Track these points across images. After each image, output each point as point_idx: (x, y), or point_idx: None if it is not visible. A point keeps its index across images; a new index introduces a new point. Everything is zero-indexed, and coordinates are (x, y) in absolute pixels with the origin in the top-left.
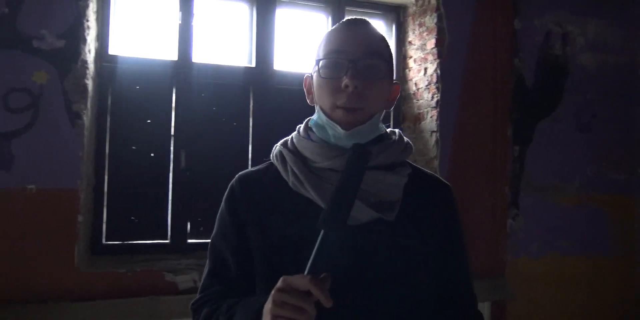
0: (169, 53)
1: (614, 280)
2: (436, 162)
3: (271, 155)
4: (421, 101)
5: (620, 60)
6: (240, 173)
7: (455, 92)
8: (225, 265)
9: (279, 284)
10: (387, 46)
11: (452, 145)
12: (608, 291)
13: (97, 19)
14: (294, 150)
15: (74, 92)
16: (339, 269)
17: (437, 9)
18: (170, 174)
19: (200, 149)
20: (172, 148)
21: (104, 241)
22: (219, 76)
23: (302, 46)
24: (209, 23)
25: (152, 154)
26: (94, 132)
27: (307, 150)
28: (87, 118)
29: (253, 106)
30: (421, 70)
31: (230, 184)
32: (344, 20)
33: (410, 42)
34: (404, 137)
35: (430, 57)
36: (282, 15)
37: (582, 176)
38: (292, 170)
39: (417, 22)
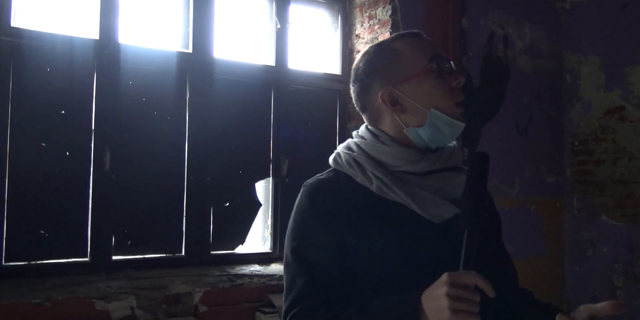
0: (90, 31)
1: (546, 281)
2: None
3: (333, 161)
4: None
5: (551, 66)
6: (310, 183)
7: None
8: (323, 274)
9: (448, 280)
10: None
11: None
12: (541, 293)
13: None
14: (367, 155)
15: None
16: (449, 265)
17: (392, 1)
18: (91, 177)
19: (128, 147)
20: (92, 146)
21: (3, 262)
22: (150, 61)
23: (244, 35)
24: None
25: (67, 153)
26: None
27: (385, 155)
28: None
29: (190, 97)
30: None
31: (305, 193)
32: (408, 32)
33: (358, 36)
34: None
35: None
36: (222, 2)
37: (522, 179)
38: (374, 175)
39: (367, 15)
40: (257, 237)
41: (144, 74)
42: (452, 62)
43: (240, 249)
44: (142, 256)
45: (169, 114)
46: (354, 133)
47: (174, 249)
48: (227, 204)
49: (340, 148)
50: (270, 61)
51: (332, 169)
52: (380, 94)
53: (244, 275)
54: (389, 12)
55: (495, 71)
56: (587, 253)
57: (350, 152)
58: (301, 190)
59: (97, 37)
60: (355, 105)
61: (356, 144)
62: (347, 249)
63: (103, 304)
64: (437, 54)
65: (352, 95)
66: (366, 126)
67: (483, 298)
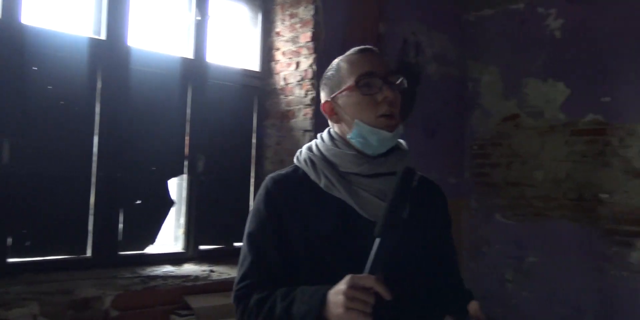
0: None
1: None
2: None
3: (296, 159)
4: (291, 97)
5: (456, 74)
6: (271, 176)
7: None
8: (266, 257)
9: (348, 282)
10: None
11: None
12: None
13: None
14: (322, 156)
15: None
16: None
17: (314, 1)
18: None
19: (30, 138)
20: None
21: None
22: (59, 46)
23: (161, 25)
24: None
25: None
26: None
27: (337, 157)
28: None
29: (102, 87)
30: (292, 64)
31: (263, 185)
32: (357, 49)
33: (278, 33)
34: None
35: (304, 51)
36: None
37: None
38: (323, 174)
39: (288, 13)
40: (169, 237)
41: (51, 60)
42: (392, 79)
43: (150, 249)
44: (42, 258)
45: (77, 104)
46: (319, 134)
47: (78, 249)
48: (139, 202)
49: (304, 147)
50: (189, 53)
51: (294, 165)
52: (322, 103)
53: (157, 277)
54: (312, 12)
55: (408, 77)
56: (482, 250)
57: (310, 152)
58: (263, 182)
59: None
60: None
61: (316, 144)
62: (290, 236)
63: (1, 311)
64: (368, 71)
65: None
66: (329, 129)
67: (378, 301)
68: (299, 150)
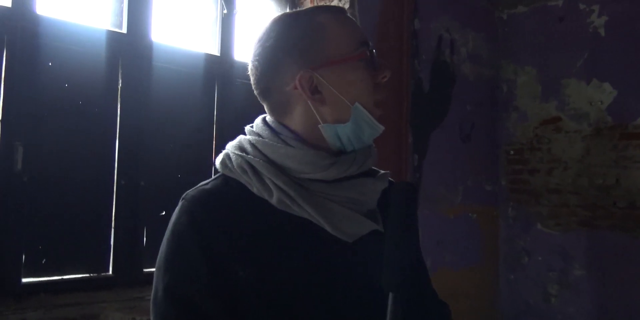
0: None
1: (480, 290)
2: None
3: (221, 165)
4: None
5: (490, 74)
6: (192, 195)
7: None
8: (199, 317)
9: None
10: None
11: None
12: (481, 302)
13: None
14: (266, 159)
15: None
16: (354, 285)
17: None
18: None
19: (44, 143)
20: None
21: None
22: (75, 39)
23: (186, 19)
24: None
25: None
26: None
27: (289, 159)
28: None
29: (122, 86)
30: None
31: (184, 210)
32: (333, 6)
33: None
34: None
35: None
36: None
37: (465, 187)
38: (274, 184)
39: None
40: None
41: (67, 54)
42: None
43: None
44: (60, 277)
45: (96, 104)
46: (247, 128)
47: (99, 267)
48: (163, 213)
49: (230, 147)
50: (215, 50)
51: (220, 175)
52: (298, 77)
53: None
54: (346, 5)
55: (443, 76)
56: (521, 261)
57: (244, 154)
58: (179, 204)
59: (9, 5)
60: (254, 88)
61: (251, 143)
62: (237, 284)
63: None
64: (367, 39)
65: (252, 73)
66: (263, 119)
67: None
68: (224, 153)
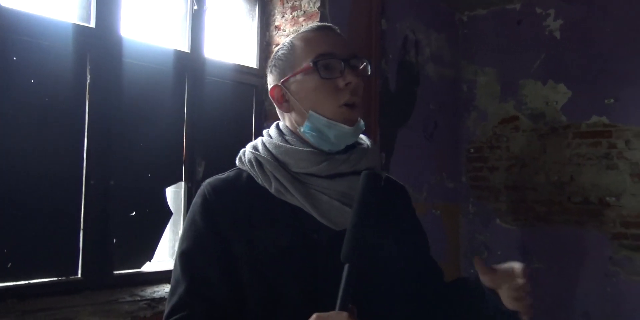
0: None
1: None
2: None
3: (238, 161)
4: None
5: (451, 75)
6: (209, 181)
7: None
8: (206, 282)
9: None
10: None
11: None
12: None
13: None
14: (270, 155)
15: None
16: (333, 264)
17: None
18: None
19: (9, 142)
20: None
21: None
22: (41, 34)
23: (154, 14)
24: None
25: None
26: None
27: (288, 156)
28: None
29: (91, 82)
30: None
31: (200, 193)
32: (316, 25)
33: (278, 27)
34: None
35: None
36: None
37: (428, 185)
38: (273, 176)
39: (289, 5)
40: (166, 252)
41: (32, 49)
42: (354, 62)
43: (147, 267)
44: (27, 282)
45: (64, 101)
46: (265, 131)
47: (68, 270)
48: (133, 213)
49: (249, 145)
50: (185, 47)
51: (236, 168)
52: (270, 89)
53: (162, 299)
54: (317, 4)
55: (409, 76)
56: (481, 256)
57: (255, 151)
58: (200, 188)
59: None
60: None
61: (262, 142)
62: (234, 255)
63: None
64: (329, 52)
65: None
66: (277, 124)
67: None
68: (242, 150)
